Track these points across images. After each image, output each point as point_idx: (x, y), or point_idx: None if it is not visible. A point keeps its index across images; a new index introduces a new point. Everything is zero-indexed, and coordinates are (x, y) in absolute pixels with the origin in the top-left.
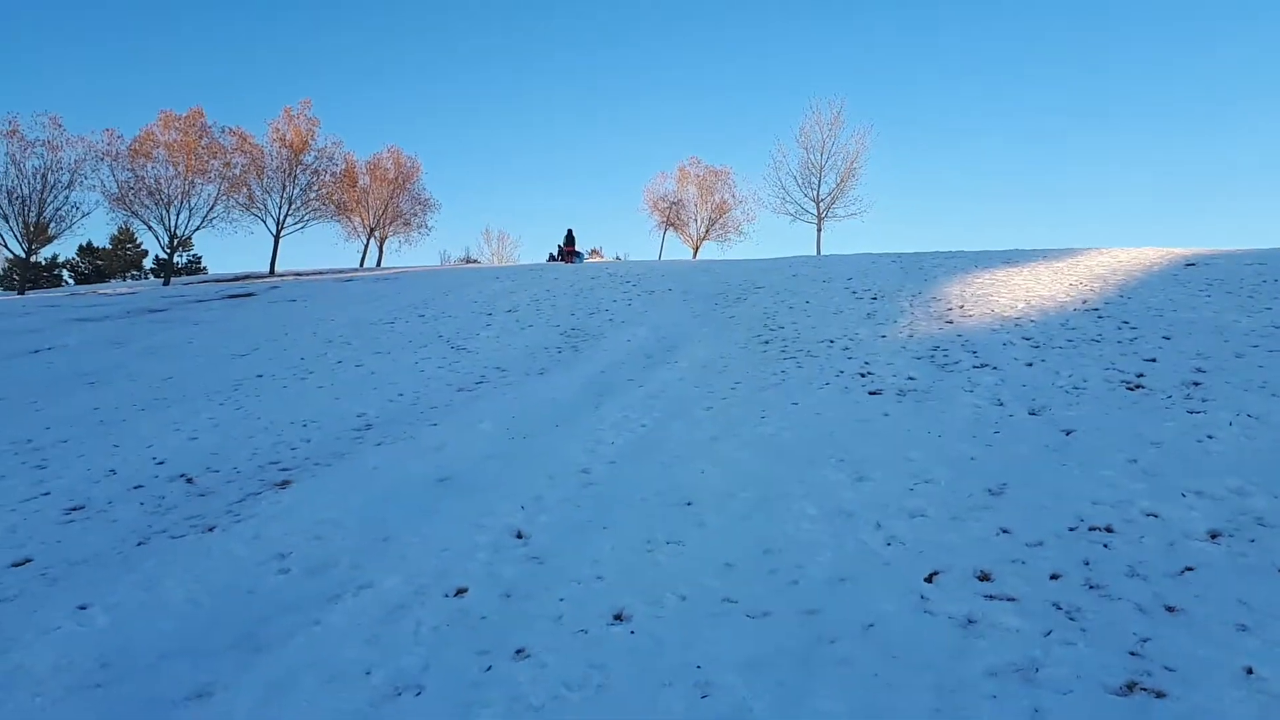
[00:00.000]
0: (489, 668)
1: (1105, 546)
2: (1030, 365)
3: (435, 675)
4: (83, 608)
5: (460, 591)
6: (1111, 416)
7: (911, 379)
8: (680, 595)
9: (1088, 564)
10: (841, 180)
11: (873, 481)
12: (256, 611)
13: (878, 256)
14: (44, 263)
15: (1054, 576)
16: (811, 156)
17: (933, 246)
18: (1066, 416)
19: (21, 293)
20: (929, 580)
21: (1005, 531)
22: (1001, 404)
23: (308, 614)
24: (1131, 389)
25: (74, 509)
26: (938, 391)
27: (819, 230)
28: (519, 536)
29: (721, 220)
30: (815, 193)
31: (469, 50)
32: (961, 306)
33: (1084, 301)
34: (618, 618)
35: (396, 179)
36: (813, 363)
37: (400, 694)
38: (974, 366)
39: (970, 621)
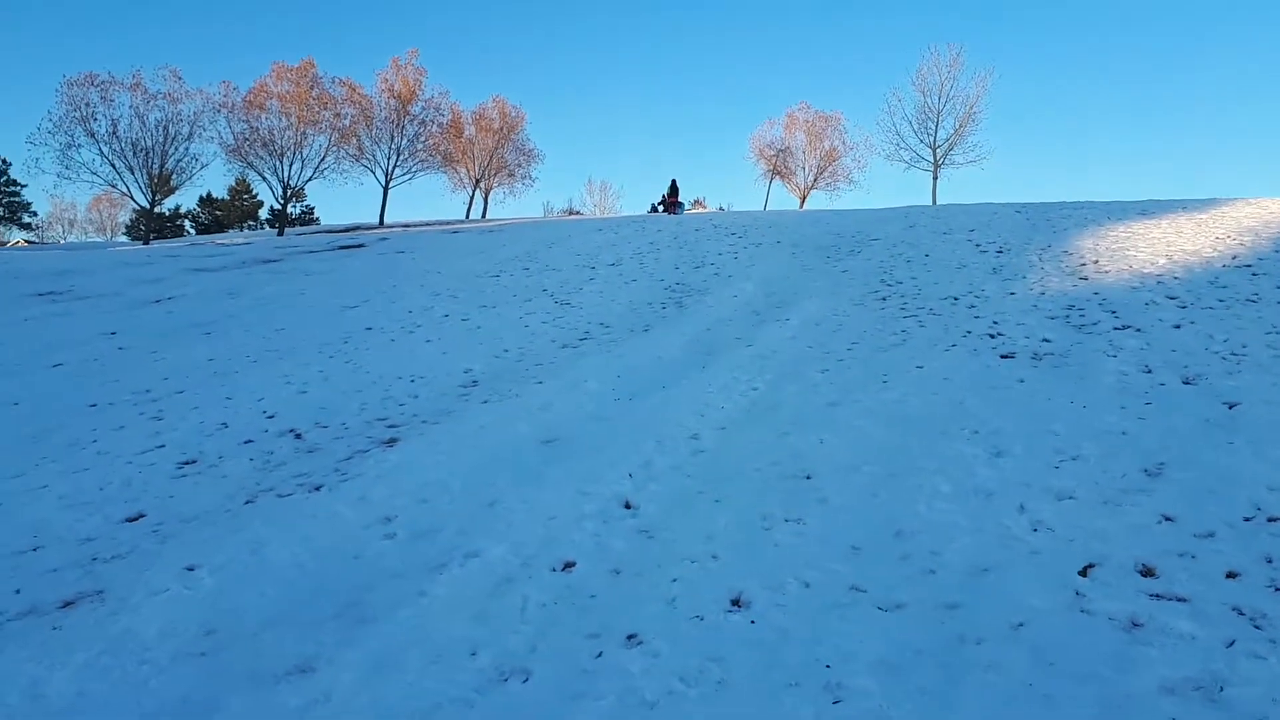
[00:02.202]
0: (599, 654)
1: None
2: (1178, 328)
3: (543, 659)
4: (190, 569)
5: (568, 565)
6: None
7: (1047, 341)
8: (803, 581)
9: (1270, 561)
10: (960, 125)
11: (1012, 457)
12: (362, 578)
13: (999, 206)
14: (167, 213)
15: (1230, 575)
16: (929, 101)
17: (1056, 197)
18: (1227, 387)
19: (146, 242)
20: (1084, 574)
21: (1168, 519)
22: (1150, 371)
23: (414, 583)
24: None
25: (187, 463)
26: (1077, 355)
27: (935, 178)
28: (627, 507)
29: (831, 168)
30: (932, 139)
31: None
32: (1096, 261)
33: (1234, 257)
34: (735, 603)
35: (501, 129)
36: (936, 321)
37: (507, 679)
38: (1115, 328)
39: (1135, 624)
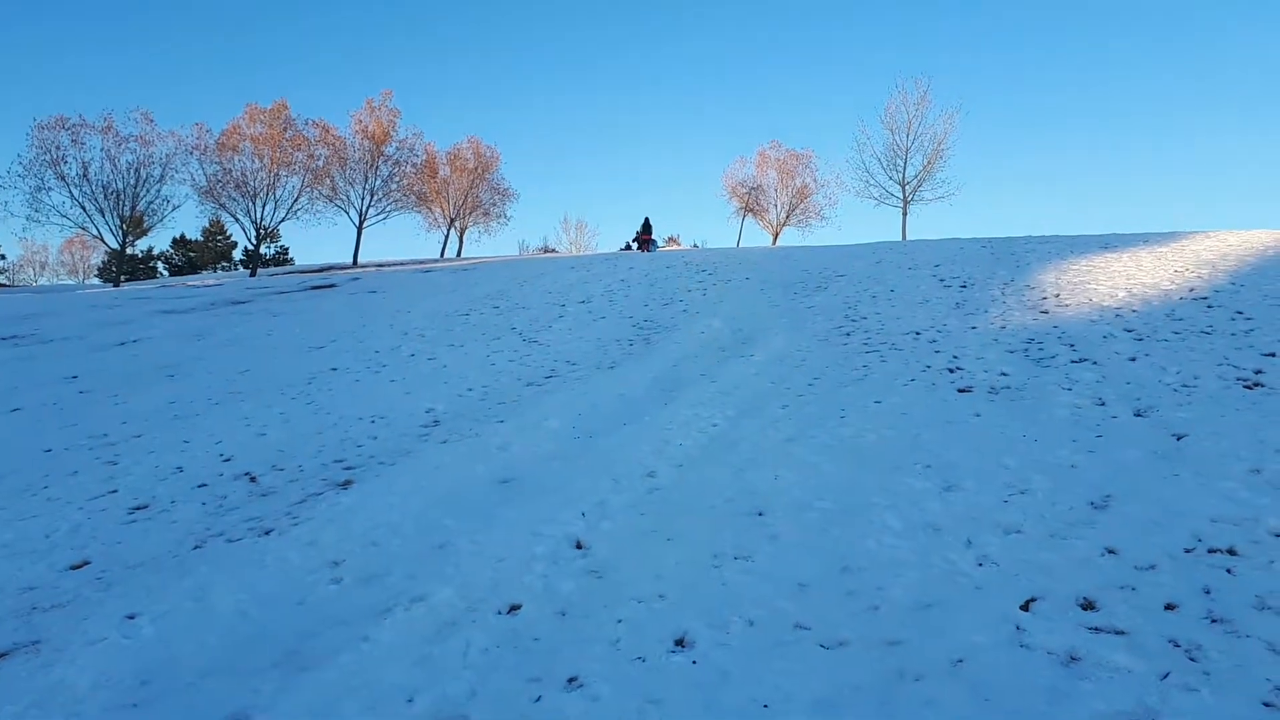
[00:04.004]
0: (538, 698)
1: (1229, 572)
2: (1134, 360)
3: (481, 704)
4: (131, 617)
5: (514, 608)
6: (1229, 419)
7: (1004, 375)
8: (748, 619)
9: (1208, 592)
10: (929, 162)
11: (963, 491)
12: (305, 625)
13: (966, 242)
14: (140, 255)
15: (1169, 607)
16: (897, 138)
17: (1024, 231)
18: (1177, 419)
19: (118, 284)
20: (1025, 608)
21: (1111, 552)
22: (1103, 404)
23: (357, 629)
24: (1249, 387)
25: (138, 508)
26: (1033, 389)
27: (904, 214)
28: (579, 547)
29: (802, 205)
30: (901, 175)
31: (546, 39)
32: (1057, 295)
33: (1191, 290)
34: (679, 644)
35: (476, 169)
36: (897, 356)
37: None
38: (1072, 361)
39: (1073, 659)
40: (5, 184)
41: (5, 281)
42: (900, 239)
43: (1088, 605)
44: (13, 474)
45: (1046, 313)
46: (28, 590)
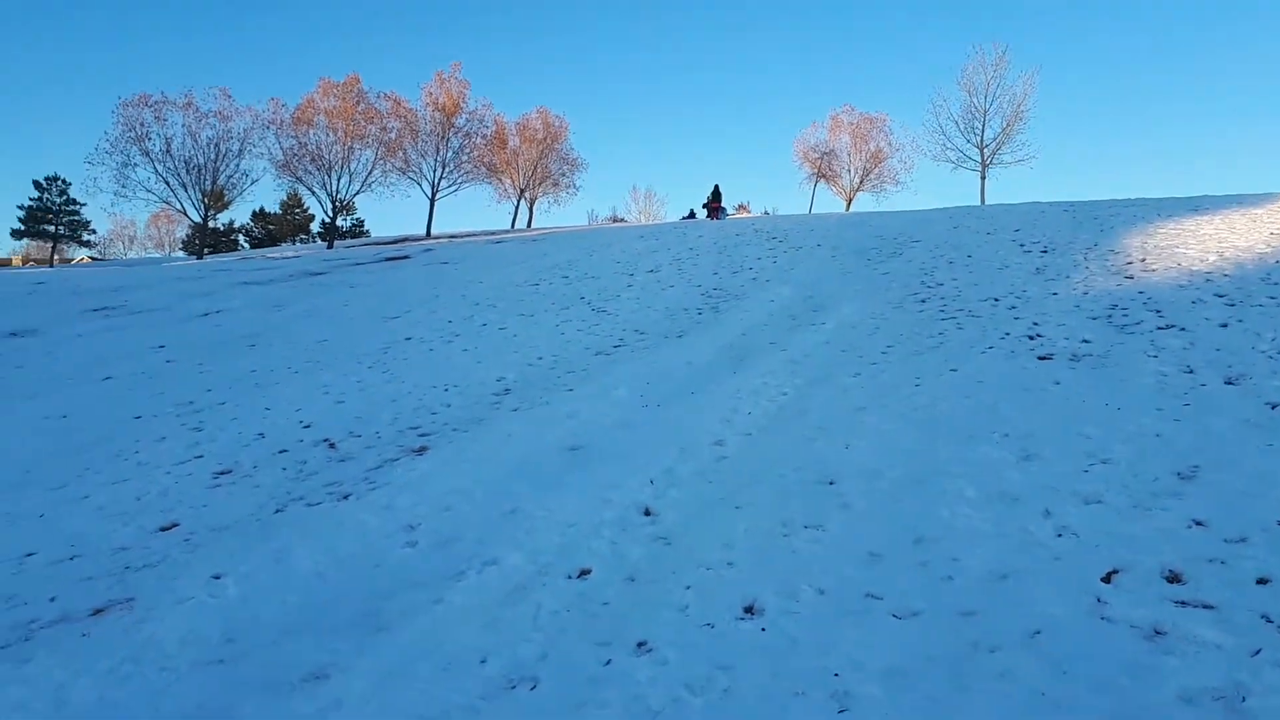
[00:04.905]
0: (608, 661)
1: None
2: (1225, 326)
3: (551, 667)
4: (217, 577)
5: (584, 573)
6: None
7: (1086, 342)
8: (818, 588)
9: None
10: (1007, 125)
11: (1041, 460)
12: (381, 587)
13: (1047, 206)
14: (221, 228)
15: (1261, 581)
16: (975, 100)
17: (1108, 194)
18: (1272, 387)
19: (200, 257)
20: (1107, 580)
21: (1199, 524)
22: (1191, 371)
23: (431, 591)
24: None
25: (222, 473)
26: (1116, 356)
27: (983, 178)
28: (647, 514)
29: (876, 170)
30: (979, 138)
31: (615, 6)
32: (1143, 260)
33: None
34: (748, 611)
35: (545, 139)
36: (975, 324)
37: (514, 687)
38: (1158, 328)
39: (1158, 633)
40: (94, 161)
41: (96, 255)
42: (978, 203)
43: (1173, 578)
44: (106, 440)
45: (1131, 278)
46: (121, 550)
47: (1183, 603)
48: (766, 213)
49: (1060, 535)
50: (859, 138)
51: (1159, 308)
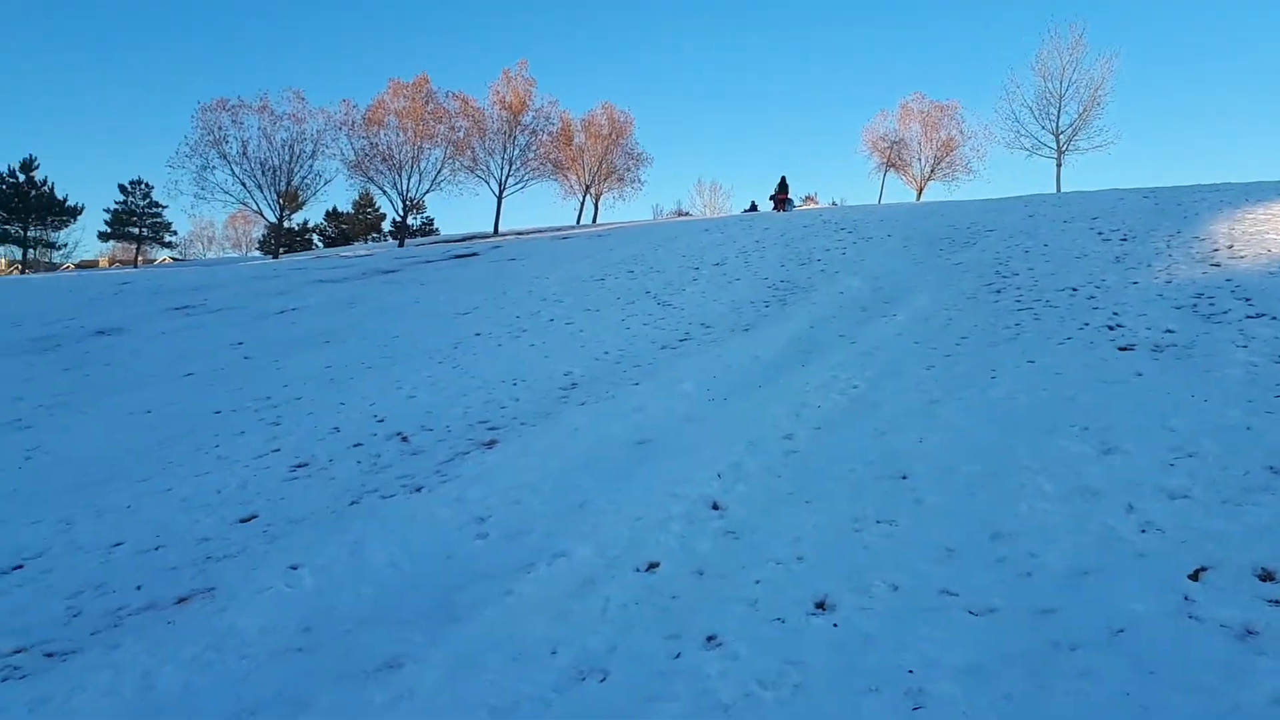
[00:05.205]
0: (677, 655)
1: None
2: None
3: (621, 659)
4: (294, 568)
5: (652, 566)
6: None
7: (1170, 332)
8: (891, 584)
9: None
10: (1084, 110)
11: (1123, 454)
12: (453, 578)
13: (1126, 192)
14: (296, 228)
15: None
16: (1050, 85)
17: (1191, 180)
18: None
19: (276, 256)
20: (1194, 578)
21: None
22: None
23: (501, 583)
24: None
25: (299, 466)
26: (1202, 347)
27: (1058, 165)
28: (715, 508)
29: (948, 158)
30: (1054, 124)
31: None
32: (1230, 247)
33: None
34: (819, 606)
35: (610, 135)
36: (1052, 314)
37: (584, 678)
38: (1247, 317)
39: (1250, 632)
40: (175, 164)
41: (177, 256)
42: (1054, 191)
43: (1266, 576)
44: (188, 434)
45: (1218, 265)
46: (203, 541)
47: (1276, 602)
48: (834, 203)
49: (1144, 531)
50: (929, 126)
51: (1248, 295)
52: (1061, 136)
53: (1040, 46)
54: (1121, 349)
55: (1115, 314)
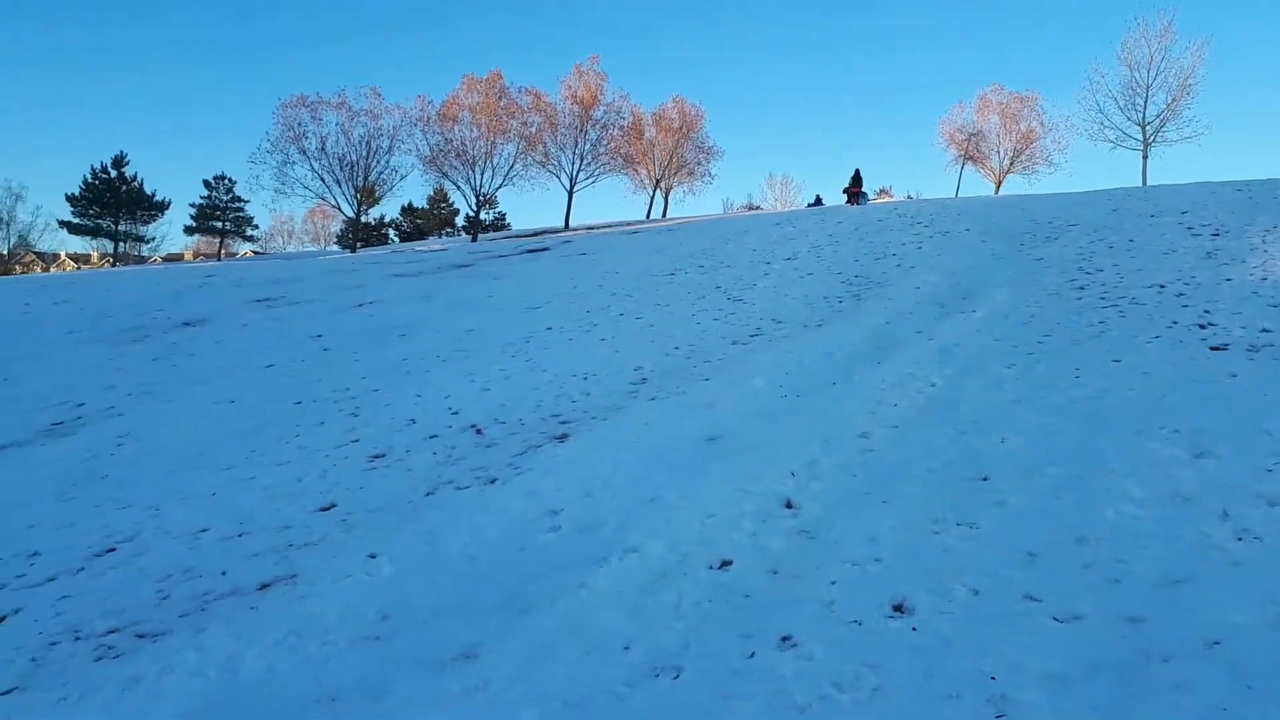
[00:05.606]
0: (752, 654)
1: None
2: None
3: (695, 657)
4: (372, 557)
5: (725, 564)
6: None
7: (1266, 331)
8: (972, 588)
9: None
10: (1173, 100)
11: (1217, 458)
12: (526, 570)
13: (1218, 185)
14: (373, 223)
15: None
16: (1136, 75)
17: None
18: None
19: (354, 250)
20: None
21: None
22: None
23: (574, 576)
24: None
25: (377, 456)
26: None
27: (1144, 158)
28: (788, 506)
29: (1027, 151)
30: (1140, 115)
31: None
32: None
33: None
34: (897, 609)
35: (681, 128)
36: (1139, 311)
37: (658, 675)
38: None
39: None
40: (257, 160)
41: (258, 249)
42: (1139, 184)
43: None
44: (270, 424)
45: None
46: (284, 529)
47: None
48: (909, 197)
49: (1240, 539)
50: (1008, 118)
51: None
52: (1148, 128)
53: (1126, 35)
54: (1214, 348)
55: (1207, 312)
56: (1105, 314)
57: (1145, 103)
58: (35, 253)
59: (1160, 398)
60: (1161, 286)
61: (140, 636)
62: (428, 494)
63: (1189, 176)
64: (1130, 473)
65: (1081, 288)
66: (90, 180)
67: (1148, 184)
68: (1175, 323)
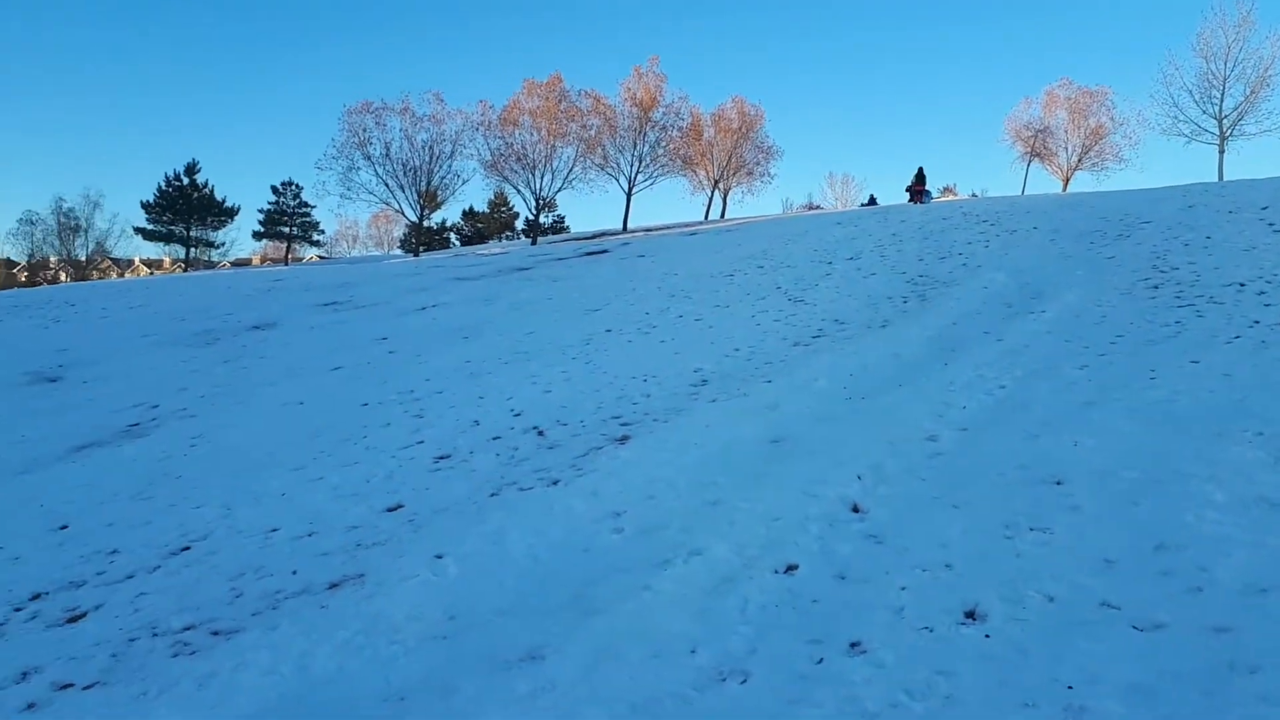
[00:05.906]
0: (820, 660)
1: None
2: None
3: (762, 662)
4: (438, 557)
5: (791, 568)
6: None
7: None
8: (1047, 595)
9: None
10: (1252, 92)
11: None
12: (590, 571)
13: None
14: (435, 227)
15: None
16: (1212, 66)
17: None
18: None
19: (416, 254)
20: None
21: None
22: None
23: (638, 578)
24: None
25: (441, 457)
26: None
27: (1221, 152)
28: (855, 510)
29: (1097, 147)
30: (1217, 109)
31: None
32: None
33: None
34: (969, 616)
35: (740, 129)
36: (1217, 311)
37: (725, 679)
38: None
39: None
40: (323, 166)
41: (324, 254)
42: (1216, 180)
43: None
44: (337, 425)
45: None
46: (352, 529)
47: None
48: (974, 195)
49: None
50: (1077, 113)
51: None
52: (1225, 121)
53: (1202, 25)
54: None
55: None
56: (1181, 314)
57: (1222, 95)
58: (111, 259)
59: (1241, 400)
60: (1241, 285)
61: (215, 633)
62: (492, 495)
63: (1269, 171)
64: (1210, 477)
65: (1156, 286)
66: (164, 187)
67: (1224, 179)
68: (1257, 322)
